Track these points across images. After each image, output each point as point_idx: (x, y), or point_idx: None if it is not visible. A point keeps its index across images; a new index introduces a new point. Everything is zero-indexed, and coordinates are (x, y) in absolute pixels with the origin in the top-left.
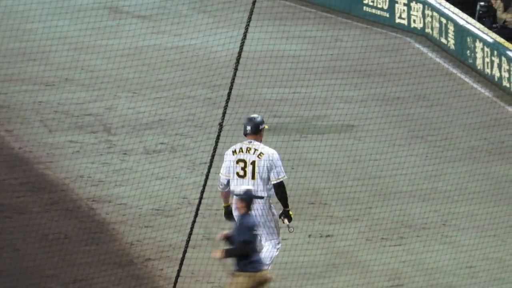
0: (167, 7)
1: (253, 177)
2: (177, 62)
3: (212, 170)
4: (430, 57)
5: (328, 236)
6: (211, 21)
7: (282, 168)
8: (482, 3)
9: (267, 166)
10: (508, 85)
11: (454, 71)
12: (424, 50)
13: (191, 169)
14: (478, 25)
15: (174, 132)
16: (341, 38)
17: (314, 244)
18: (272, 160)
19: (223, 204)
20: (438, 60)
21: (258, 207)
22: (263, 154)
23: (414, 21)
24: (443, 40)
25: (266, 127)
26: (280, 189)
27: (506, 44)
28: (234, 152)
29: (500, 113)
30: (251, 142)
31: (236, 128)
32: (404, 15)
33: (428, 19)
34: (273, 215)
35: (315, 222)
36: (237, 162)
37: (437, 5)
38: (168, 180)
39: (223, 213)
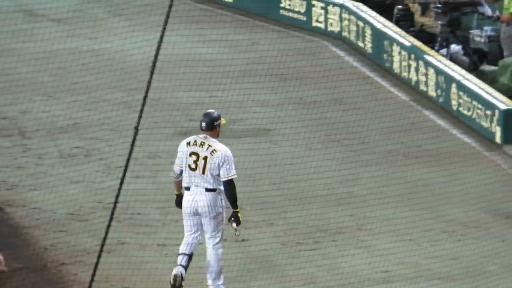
0: (82, 10)
1: (203, 172)
2: (93, 65)
3: (127, 174)
4: (347, 60)
5: (243, 240)
6: (127, 24)
7: (233, 166)
8: (399, 7)
9: (218, 163)
10: (425, 88)
11: (371, 74)
12: (341, 53)
13: (106, 173)
14: (396, 28)
15: (89, 136)
16: (257, 41)
17: (229, 249)
18: (224, 158)
19: (175, 192)
20: (355, 63)
21: (209, 197)
22: (216, 151)
23: (331, 24)
24: (360, 43)
25: (224, 121)
26: (229, 187)
27: (424, 47)
28: (188, 144)
29: (417, 117)
30: (206, 137)
31: (152, 132)
32: (321, 18)
33: (345, 22)
34: (223, 208)
35: (230, 226)
36: (190, 154)
37: (354, 9)
38: (83, 184)
39: (175, 201)
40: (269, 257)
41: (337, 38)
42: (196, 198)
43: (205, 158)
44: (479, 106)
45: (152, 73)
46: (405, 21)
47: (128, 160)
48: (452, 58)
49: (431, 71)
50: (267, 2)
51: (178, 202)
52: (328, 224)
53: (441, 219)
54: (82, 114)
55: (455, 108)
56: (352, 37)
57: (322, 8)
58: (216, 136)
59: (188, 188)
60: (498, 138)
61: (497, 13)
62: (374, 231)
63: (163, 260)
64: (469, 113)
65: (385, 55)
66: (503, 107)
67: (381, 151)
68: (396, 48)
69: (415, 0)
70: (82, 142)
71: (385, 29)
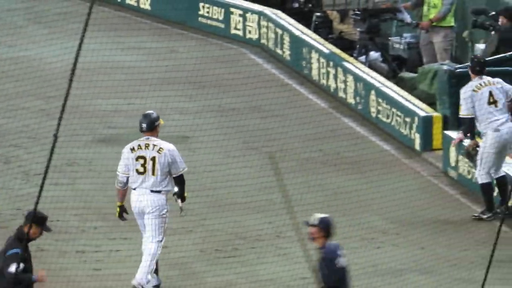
0: (1, 18)
1: (153, 173)
2: (11, 73)
3: (46, 181)
4: (265, 68)
5: (162, 247)
6: (46, 32)
7: (181, 160)
8: (318, 14)
9: (168, 161)
10: (344, 96)
11: (290, 81)
12: (260, 61)
13: (26, 180)
14: (314, 35)
15: (8, 143)
16: (176, 49)
17: None
18: (171, 154)
19: (117, 203)
20: (273, 71)
21: (153, 197)
22: (162, 149)
23: (250, 32)
24: (278, 50)
25: (162, 122)
26: (180, 180)
27: (342, 55)
28: (132, 149)
29: (336, 124)
30: (148, 138)
31: (70, 139)
32: (240, 26)
33: (264, 30)
34: (166, 211)
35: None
36: (137, 159)
37: (273, 16)
38: (2, 191)
39: (117, 213)
40: (188, 264)
41: (256, 46)
42: (141, 198)
43: (153, 159)
44: (398, 113)
45: (71, 80)
46: (323, 28)
47: (47, 168)
48: (371, 65)
49: (350, 78)
50: (185, 9)
51: (120, 213)
52: (247, 232)
53: (361, 226)
54: (0, 121)
55: (374, 115)
56: (271, 44)
57: (240, 15)
58: (156, 136)
59: (134, 189)
60: (417, 145)
61: (417, 20)
62: (293, 239)
63: (82, 267)
64: (388, 120)
65: (303, 62)
66: (422, 114)
67: (300, 159)
68: (314, 55)
69: (334, 7)
70: (0, 149)
71: (303, 36)
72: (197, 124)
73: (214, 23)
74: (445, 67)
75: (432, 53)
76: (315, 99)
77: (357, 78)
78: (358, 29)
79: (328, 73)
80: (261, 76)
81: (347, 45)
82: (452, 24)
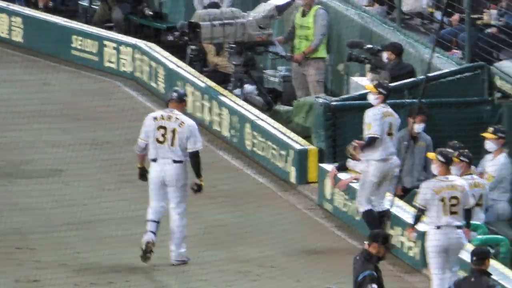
0: None
1: (172, 144)
2: None
3: None
4: (140, 101)
5: (35, 281)
6: None
7: (199, 138)
8: (192, 47)
9: (186, 135)
10: (219, 129)
11: None
12: (134, 94)
13: None
14: (189, 68)
15: None
16: (49, 81)
17: None
18: (191, 130)
19: (138, 165)
20: (148, 104)
21: (176, 168)
22: (184, 123)
23: (124, 64)
24: (153, 84)
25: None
26: (195, 158)
27: (217, 88)
28: (155, 118)
29: (211, 157)
30: (172, 111)
31: None
32: (113, 58)
33: (138, 62)
34: (187, 179)
35: (22, 267)
36: (158, 128)
37: (147, 49)
38: None
39: (138, 174)
40: None
41: (130, 79)
42: (164, 168)
43: (174, 131)
44: (274, 146)
45: None
46: (198, 61)
47: None
48: (246, 98)
49: (225, 112)
50: (58, 42)
51: (142, 174)
52: (122, 265)
53: (237, 259)
54: None
55: (249, 148)
56: (145, 77)
57: (114, 48)
58: (180, 110)
59: (155, 160)
60: (292, 178)
61: (290, 53)
62: (168, 271)
63: None
64: (264, 153)
65: None
66: (297, 147)
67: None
68: (189, 89)
69: (212, 40)
70: None
71: (177, 69)
72: (71, 157)
73: (88, 55)
74: (320, 100)
75: (305, 85)
76: None
77: (232, 111)
78: (234, 62)
79: (203, 106)
80: (136, 109)
81: (222, 78)
82: (325, 55)
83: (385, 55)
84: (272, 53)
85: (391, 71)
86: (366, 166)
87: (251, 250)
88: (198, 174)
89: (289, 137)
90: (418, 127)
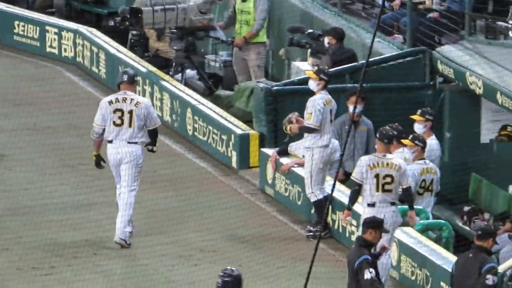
0: None
1: (130, 125)
2: None
3: None
4: (81, 86)
5: None
6: None
7: (155, 115)
8: (134, 32)
9: (144, 114)
10: (160, 113)
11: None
12: (76, 79)
13: None
14: (130, 54)
15: None
16: None
17: None
18: (148, 109)
19: (94, 153)
20: (89, 89)
21: (131, 148)
22: (140, 103)
23: (65, 50)
24: (94, 69)
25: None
26: (153, 134)
27: (158, 72)
28: (110, 102)
29: None
30: (125, 92)
31: None
32: (55, 44)
33: (79, 48)
34: (142, 161)
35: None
36: (114, 111)
37: (88, 34)
38: None
39: (94, 162)
40: (4, 282)
41: (71, 64)
42: (119, 150)
43: (131, 112)
44: (215, 131)
45: None
46: (139, 46)
47: None
48: (187, 83)
49: (166, 96)
50: None
51: (98, 162)
52: (63, 249)
53: (178, 243)
54: None
55: (190, 133)
56: (86, 62)
57: (55, 33)
58: (133, 91)
59: (111, 141)
60: (234, 163)
61: (231, 38)
62: (110, 256)
63: None
64: (205, 138)
65: None
66: (239, 132)
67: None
68: None
69: (154, 25)
70: None
71: (119, 54)
72: (13, 142)
73: (29, 41)
74: (261, 85)
75: (246, 70)
76: None
77: (173, 96)
78: (175, 47)
79: (144, 91)
80: (77, 94)
81: (163, 63)
82: (265, 40)
83: (326, 40)
84: (213, 38)
85: (332, 56)
86: (310, 155)
87: (192, 235)
88: (154, 143)
89: (230, 122)
90: (357, 109)
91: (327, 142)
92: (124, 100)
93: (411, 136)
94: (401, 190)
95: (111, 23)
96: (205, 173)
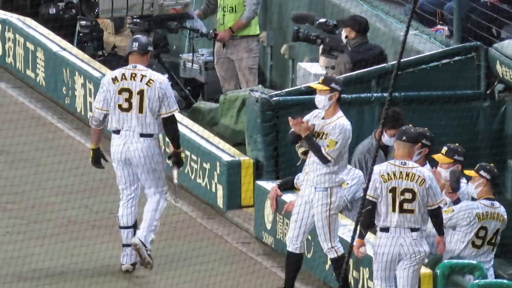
0: None
1: (140, 111)
2: None
3: None
4: (10, 95)
5: None
6: None
7: (174, 98)
8: (83, 23)
9: (158, 96)
10: None
11: (44, 114)
12: (3, 86)
13: None
14: (78, 51)
15: None
16: None
17: None
18: (163, 88)
19: (91, 146)
20: (21, 99)
21: (144, 145)
22: (153, 81)
23: None
24: (29, 72)
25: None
26: (170, 125)
27: None
28: (114, 79)
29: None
30: (135, 66)
31: None
32: None
33: (9, 44)
34: (162, 156)
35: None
36: (120, 92)
37: (21, 25)
38: None
39: (91, 159)
40: None
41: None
42: (128, 144)
43: (141, 93)
44: (193, 157)
45: None
46: (91, 42)
47: None
48: None
49: None
50: None
51: (96, 159)
52: None
53: None
54: None
55: None
56: (19, 64)
57: None
58: (145, 65)
59: (117, 132)
60: (220, 201)
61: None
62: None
63: None
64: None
65: (64, 89)
66: (226, 158)
67: (59, 218)
68: (79, 80)
69: (113, 13)
70: None
71: (63, 53)
72: None
73: None
74: (256, 95)
75: (234, 74)
76: (78, 137)
77: None
78: None
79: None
80: (5, 106)
81: (122, 64)
82: (258, 32)
83: (344, 33)
84: (190, 30)
85: (352, 54)
86: (327, 196)
87: None
88: (176, 145)
89: (214, 145)
90: (388, 139)
91: (345, 177)
92: (133, 76)
93: (478, 165)
94: (427, 211)
95: (52, 10)
96: (180, 215)
